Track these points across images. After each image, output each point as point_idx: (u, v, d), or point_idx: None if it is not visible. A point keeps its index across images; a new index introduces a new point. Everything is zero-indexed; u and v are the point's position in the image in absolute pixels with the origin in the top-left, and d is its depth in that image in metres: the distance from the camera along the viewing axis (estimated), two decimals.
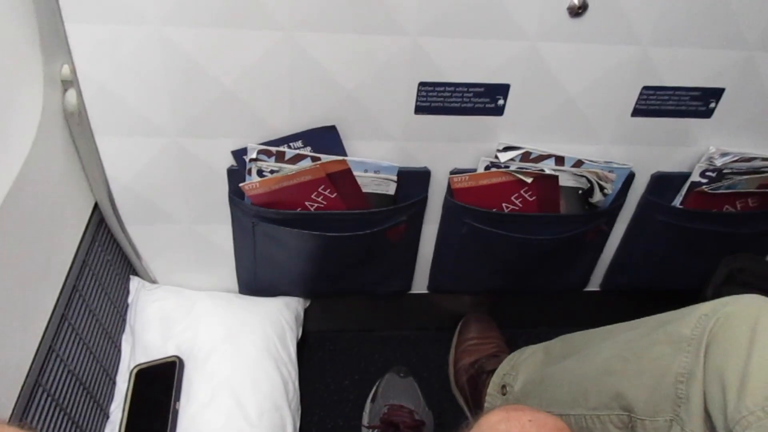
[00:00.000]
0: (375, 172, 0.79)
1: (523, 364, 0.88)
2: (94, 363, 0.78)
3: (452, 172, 0.84)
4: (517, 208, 0.86)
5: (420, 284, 1.03)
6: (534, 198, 0.85)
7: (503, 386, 0.91)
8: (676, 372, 0.61)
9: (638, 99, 0.80)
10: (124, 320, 0.88)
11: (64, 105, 0.71)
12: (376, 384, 0.99)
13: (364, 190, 0.81)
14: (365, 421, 0.96)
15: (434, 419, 0.96)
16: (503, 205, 0.86)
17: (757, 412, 0.52)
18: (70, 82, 0.69)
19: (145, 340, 0.85)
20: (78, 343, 0.74)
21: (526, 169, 0.81)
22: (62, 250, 0.74)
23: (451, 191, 0.86)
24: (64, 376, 0.70)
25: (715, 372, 0.57)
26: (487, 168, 0.83)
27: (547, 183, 0.83)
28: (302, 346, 0.98)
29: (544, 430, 0.49)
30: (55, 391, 0.68)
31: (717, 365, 0.57)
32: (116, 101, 0.70)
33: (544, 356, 0.86)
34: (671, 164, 0.88)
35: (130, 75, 0.68)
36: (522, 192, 0.84)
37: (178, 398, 0.80)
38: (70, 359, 0.72)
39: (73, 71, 0.67)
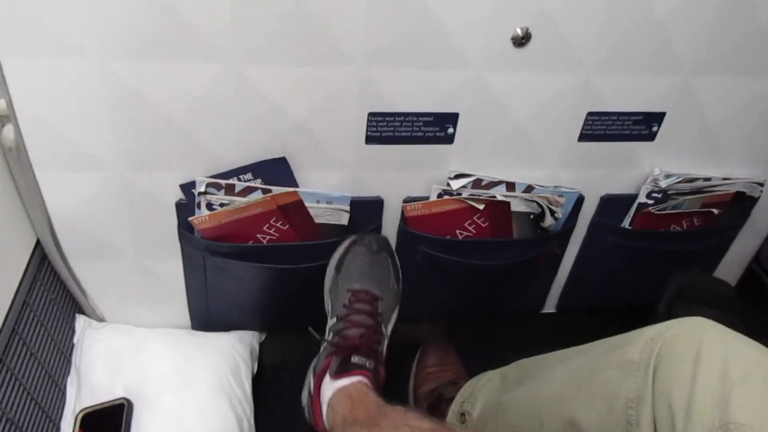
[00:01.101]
0: (327, 202, 0.79)
1: (480, 391, 0.88)
2: (36, 409, 0.74)
3: (405, 200, 0.84)
4: (471, 234, 0.86)
5: None
6: (487, 224, 0.85)
7: (462, 414, 0.90)
8: (625, 397, 0.62)
9: (584, 124, 0.81)
10: (69, 361, 0.84)
11: (1, 141, 0.69)
12: (344, 248, 0.83)
13: (317, 220, 0.80)
14: (327, 295, 0.84)
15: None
16: (457, 231, 0.86)
17: None
18: (6, 117, 0.67)
19: (91, 382, 0.81)
20: (17, 389, 0.71)
21: (478, 195, 0.82)
22: (0, 291, 0.70)
23: (404, 219, 0.86)
24: (1, 424, 0.66)
25: (662, 396, 0.58)
26: (439, 195, 0.83)
27: (499, 209, 0.84)
28: (258, 381, 0.96)
29: None
30: None
31: (664, 389, 0.58)
32: (56, 135, 0.68)
33: (500, 382, 0.86)
34: (619, 186, 0.90)
35: (71, 109, 0.66)
36: (475, 218, 0.84)
37: None
38: (9, 406, 0.68)
39: (10, 105, 0.65)
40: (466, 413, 0.89)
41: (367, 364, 0.73)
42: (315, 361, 0.78)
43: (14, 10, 0.58)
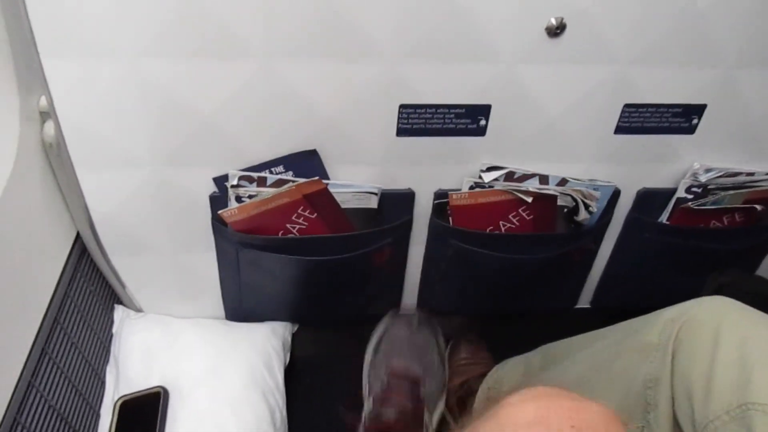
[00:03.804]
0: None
1: (506, 378, 0.88)
2: (77, 396, 0.77)
3: (436, 193, 0.84)
4: (514, 226, 0.85)
5: (409, 307, 1.02)
6: (531, 217, 0.84)
7: (487, 400, 0.90)
8: (644, 378, 0.61)
9: (620, 117, 0.79)
10: (108, 351, 0.87)
11: (43, 136, 0.71)
12: (383, 326, 0.83)
13: (346, 206, 0.80)
14: (365, 378, 0.84)
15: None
16: (500, 223, 0.85)
17: (722, 416, 0.52)
18: (48, 114, 0.69)
19: (129, 372, 0.84)
20: (60, 378, 0.73)
21: (511, 188, 0.81)
22: (42, 283, 0.73)
23: (436, 212, 0.86)
24: (44, 412, 0.69)
25: (681, 377, 0.58)
26: (471, 188, 0.83)
27: (545, 203, 0.83)
28: (290, 372, 0.97)
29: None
30: (36, 429, 0.67)
31: (683, 370, 0.58)
32: (94, 134, 0.69)
33: (524, 368, 0.86)
34: (656, 181, 0.88)
35: (108, 108, 0.67)
36: (520, 211, 0.84)
37: (163, 430, 0.78)
38: (51, 395, 0.71)
39: (50, 103, 0.67)
40: (491, 399, 0.89)
41: None
42: None
43: (53, 14, 0.60)
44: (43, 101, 0.68)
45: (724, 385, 0.53)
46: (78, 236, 0.80)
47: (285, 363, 0.93)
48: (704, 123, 0.82)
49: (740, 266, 0.99)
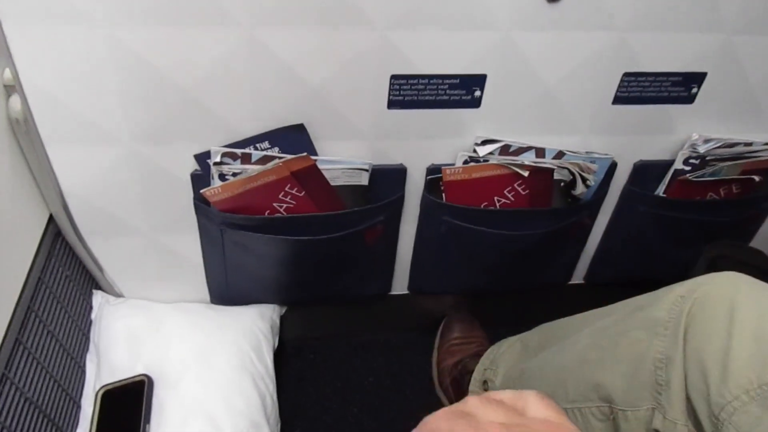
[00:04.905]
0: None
1: (502, 358, 0.86)
2: (56, 387, 0.73)
3: (429, 169, 0.81)
4: (509, 202, 0.83)
5: (400, 286, 0.99)
6: (527, 192, 0.81)
7: (484, 381, 0.88)
8: (653, 357, 0.59)
9: (619, 86, 0.77)
10: (88, 338, 0.83)
11: (8, 112, 0.66)
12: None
13: (335, 182, 0.76)
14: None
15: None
16: (495, 198, 0.82)
17: (742, 396, 0.50)
18: (13, 87, 0.64)
19: (111, 359, 0.80)
20: (36, 368, 0.69)
21: (507, 162, 0.78)
22: (14, 269, 0.68)
23: (429, 188, 0.82)
24: (21, 405, 0.65)
25: (694, 356, 0.55)
26: (465, 162, 0.79)
27: (542, 177, 0.80)
28: (279, 355, 0.94)
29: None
30: (11, 423, 0.63)
31: (696, 349, 0.55)
32: (65, 107, 0.65)
33: (522, 349, 0.83)
34: (653, 152, 0.86)
35: (79, 79, 0.63)
36: (516, 185, 0.81)
37: (148, 420, 0.75)
38: (28, 387, 0.67)
39: (15, 76, 0.62)
40: (488, 381, 0.87)
41: None
42: None
43: None
44: (8, 74, 0.63)
45: (743, 364, 0.50)
46: (51, 218, 0.76)
47: (274, 347, 0.90)
48: (703, 92, 0.80)
49: (735, 238, 0.98)
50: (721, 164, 0.85)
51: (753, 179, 0.88)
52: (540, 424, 0.34)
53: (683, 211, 0.90)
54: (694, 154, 0.84)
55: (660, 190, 0.89)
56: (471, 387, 0.90)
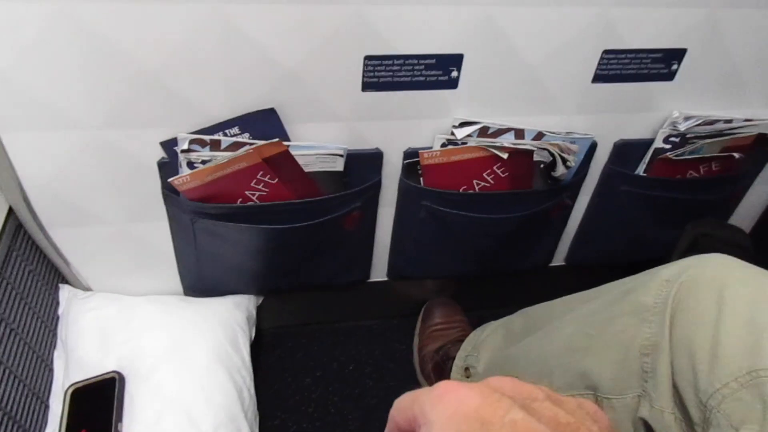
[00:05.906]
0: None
1: (484, 344, 0.84)
2: (21, 387, 0.70)
3: (406, 152, 0.78)
4: (488, 185, 0.81)
5: (379, 272, 0.97)
6: (507, 174, 0.79)
7: (466, 368, 0.87)
8: (640, 344, 0.57)
9: (599, 64, 0.75)
10: (55, 335, 0.80)
11: None
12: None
13: (309, 169, 0.73)
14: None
15: None
16: (474, 182, 0.80)
17: (731, 384, 0.48)
18: None
19: (80, 356, 0.77)
20: None
21: (485, 144, 0.76)
22: None
23: (407, 173, 0.80)
24: None
25: (682, 342, 0.53)
26: (443, 145, 0.77)
27: (521, 159, 0.78)
28: (257, 345, 0.92)
29: None
30: None
31: (684, 334, 0.53)
32: (21, 90, 0.61)
33: (504, 334, 0.82)
34: (634, 131, 0.84)
35: (36, 60, 0.59)
36: (495, 168, 0.78)
37: (120, 418, 0.72)
38: None
39: None
40: (470, 367, 0.86)
41: None
42: None
43: None
44: None
45: (732, 350, 0.49)
46: (11, 210, 0.72)
47: (251, 338, 0.88)
48: (684, 68, 0.78)
49: (716, 215, 0.97)
50: (701, 142, 0.84)
51: (733, 156, 0.87)
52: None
53: (664, 189, 0.89)
54: (675, 132, 0.83)
55: (641, 170, 0.88)
56: (453, 374, 0.89)
